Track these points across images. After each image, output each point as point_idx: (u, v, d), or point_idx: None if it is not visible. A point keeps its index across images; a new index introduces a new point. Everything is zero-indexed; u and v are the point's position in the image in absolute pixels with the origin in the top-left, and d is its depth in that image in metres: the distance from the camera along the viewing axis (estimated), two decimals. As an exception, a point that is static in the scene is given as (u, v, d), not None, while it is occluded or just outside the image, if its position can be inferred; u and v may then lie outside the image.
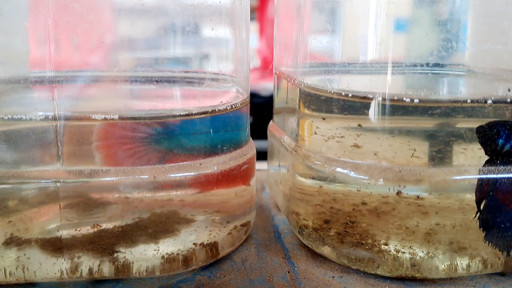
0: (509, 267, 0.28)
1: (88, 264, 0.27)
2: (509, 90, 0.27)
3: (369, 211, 0.28)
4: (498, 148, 0.26)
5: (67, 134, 0.26)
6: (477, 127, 0.26)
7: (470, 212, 0.27)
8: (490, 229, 0.27)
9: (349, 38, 0.30)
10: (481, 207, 0.27)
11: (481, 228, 0.27)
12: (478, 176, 0.26)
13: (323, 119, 0.30)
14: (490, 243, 0.27)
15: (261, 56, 1.21)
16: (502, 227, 0.27)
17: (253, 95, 0.41)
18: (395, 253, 0.27)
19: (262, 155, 0.39)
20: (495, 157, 0.26)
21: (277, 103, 0.38)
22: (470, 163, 0.27)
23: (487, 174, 0.26)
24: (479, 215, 0.27)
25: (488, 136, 0.26)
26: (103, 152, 0.27)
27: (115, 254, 0.27)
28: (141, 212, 0.27)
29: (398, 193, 0.27)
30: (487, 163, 0.26)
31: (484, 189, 0.26)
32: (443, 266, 0.27)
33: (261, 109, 0.59)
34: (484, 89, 0.31)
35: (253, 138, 0.34)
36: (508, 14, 0.27)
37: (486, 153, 0.26)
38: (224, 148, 0.29)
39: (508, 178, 0.26)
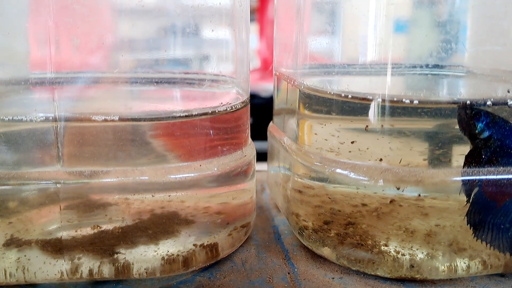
0: (509, 268, 0.28)
1: (88, 265, 0.27)
2: (508, 91, 0.27)
3: (369, 212, 0.28)
4: (477, 132, 0.25)
5: (67, 135, 0.26)
6: (459, 107, 0.26)
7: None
8: (480, 227, 0.27)
9: (348, 39, 0.30)
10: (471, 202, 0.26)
11: (469, 225, 0.27)
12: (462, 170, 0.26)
13: (323, 120, 0.30)
14: (481, 240, 0.27)
15: (261, 57, 1.21)
16: (492, 224, 0.27)
17: (253, 96, 0.41)
18: (395, 254, 0.27)
19: (262, 156, 0.39)
20: (476, 147, 0.25)
21: (277, 104, 0.38)
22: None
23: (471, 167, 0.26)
24: (467, 212, 0.26)
25: (468, 117, 0.25)
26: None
27: (115, 255, 0.27)
28: (141, 213, 0.27)
29: (391, 201, 0.27)
30: (471, 154, 0.26)
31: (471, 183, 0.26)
32: (443, 267, 0.27)
33: (261, 110, 0.59)
34: (484, 90, 0.31)
35: (253, 139, 0.34)
36: (507, 15, 0.27)
37: (464, 134, 0.26)
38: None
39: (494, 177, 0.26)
